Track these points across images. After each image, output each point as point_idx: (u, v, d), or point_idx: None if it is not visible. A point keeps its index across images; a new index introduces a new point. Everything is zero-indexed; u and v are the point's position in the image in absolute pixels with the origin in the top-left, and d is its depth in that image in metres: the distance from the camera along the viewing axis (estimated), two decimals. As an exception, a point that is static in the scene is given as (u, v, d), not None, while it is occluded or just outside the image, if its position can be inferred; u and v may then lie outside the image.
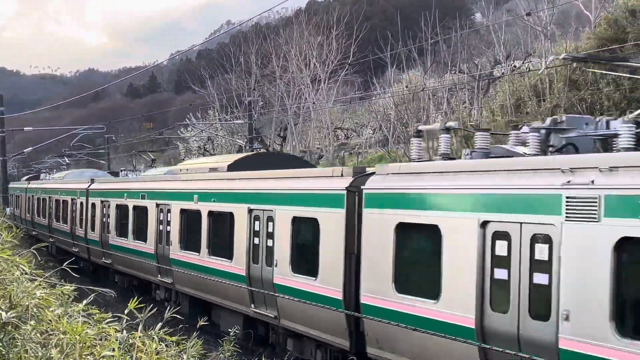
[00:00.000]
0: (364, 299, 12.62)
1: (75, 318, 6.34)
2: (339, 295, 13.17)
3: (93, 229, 28.99)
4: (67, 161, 58.05)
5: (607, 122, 10.38)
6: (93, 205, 29.10)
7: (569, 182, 9.19)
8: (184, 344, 6.90)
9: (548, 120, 10.99)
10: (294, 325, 14.85)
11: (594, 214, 8.80)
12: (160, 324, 6.28)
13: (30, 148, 57.51)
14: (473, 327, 10.21)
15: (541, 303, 9.34)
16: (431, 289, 11.09)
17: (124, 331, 5.91)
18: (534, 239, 9.56)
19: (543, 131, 10.75)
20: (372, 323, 12.28)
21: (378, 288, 12.25)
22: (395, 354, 12.02)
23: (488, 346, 10.08)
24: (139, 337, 5.84)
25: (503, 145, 12.01)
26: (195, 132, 67.23)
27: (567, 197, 9.13)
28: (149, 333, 6.10)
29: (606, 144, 10.34)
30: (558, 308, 9.00)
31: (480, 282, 10.19)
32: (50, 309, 6.37)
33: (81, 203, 30.83)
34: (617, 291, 8.44)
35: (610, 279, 8.49)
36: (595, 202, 8.81)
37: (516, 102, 30.26)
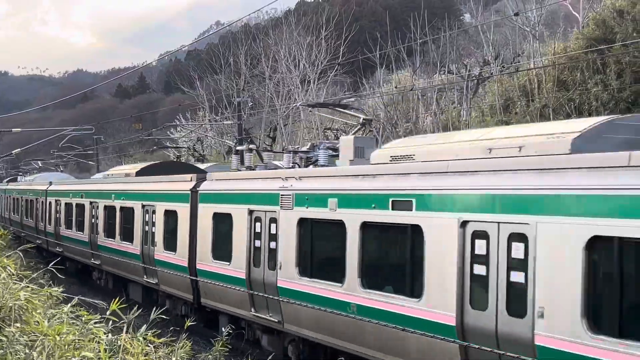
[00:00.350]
0: (198, 265, 18.75)
1: (59, 318, 6.30)
2: (184, 263, 19.47)
3: (50, 223, 34.70)
4: (40, 165, 61.11)
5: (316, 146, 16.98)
6: (50, 203, 34.81)
7: (283, 186, 15.28)
8: (173, 345, 6.88)
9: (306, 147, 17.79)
10: (170, 289, 21.04)
11: (290, 205, 14.97)
12: (145, 326, 6.25)
13: (19, 149, 57.20)
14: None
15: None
16: (227, 255, 17.23)
17: (109, 334, 5.88)
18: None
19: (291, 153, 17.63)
20: (203, 282, 18.46)
21: (204, 257, 18.35)
22: (216, 302, 18.16)
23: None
24: (124, 339, 5.81)
25: (274, 162, 18.83)
26: (184, 133, 67.08)
27: (282, 195, 15.29)
28: (136, 335, 6.07)
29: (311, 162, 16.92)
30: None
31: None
32: (38, 311, 6.33)
33: (42, 202, 36.51)
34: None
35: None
36: (290, 197, 14.96)
37: (505, 102, 30.34)
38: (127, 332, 5.98)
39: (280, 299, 15.01)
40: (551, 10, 47.49)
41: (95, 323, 6.11)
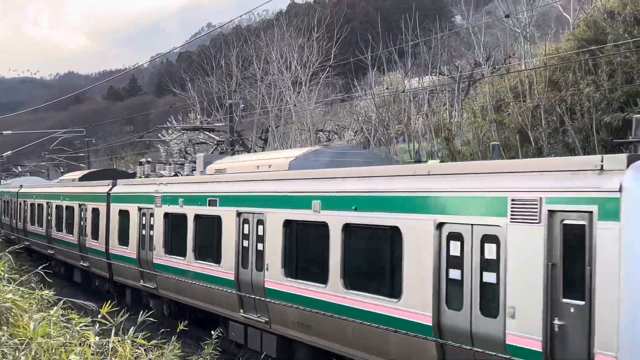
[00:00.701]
0: (110, 250, 25.07)
1: (44, 320, 6.24)
2: (103, 249, 25.70)
3: (20, 220, 40.57)
4: (20, 169, 65.05)
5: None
6: (19, 204, 40.73)
7: (156, 190, 21.31)
8: (163, 347, 6.82)
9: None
10: (94, 269, 27.44)
11: (160, 203, 21.16)
12: (132, 328, 6.20)
13: (10, 152, 56.97)
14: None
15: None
16: (126, 241, 23.65)
17: (97, 337, 5.82)
18: None
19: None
20: (113, 263, 24.93)
21: (114, 243, 24.72)
22: (123, 278, 24.49)
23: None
24: (113, 341, 5.75)
25: (162, 172, 24.72)
26: (176, 135, 66.92)
27: (155, 197, 21.24)
28: (124, 337, 6.02)
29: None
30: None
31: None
32: (28, 314, 6.27)
33: (14, 202, 42.46)
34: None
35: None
36: (160, 198, 21.01)
37: (496, 103, 30.35)
38: (116, 334, 5.94)
39: (156, 273, 21.25)
40: (542, 11, 47.59)
41: (85, 326, 6.05)
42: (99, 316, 6.17)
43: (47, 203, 33.74)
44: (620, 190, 8.42)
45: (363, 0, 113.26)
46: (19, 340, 5.82)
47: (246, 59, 59.47)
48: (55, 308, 6.81)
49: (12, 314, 5.82)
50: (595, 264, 8.46)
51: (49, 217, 33.45)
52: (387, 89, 45.02)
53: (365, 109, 51.65)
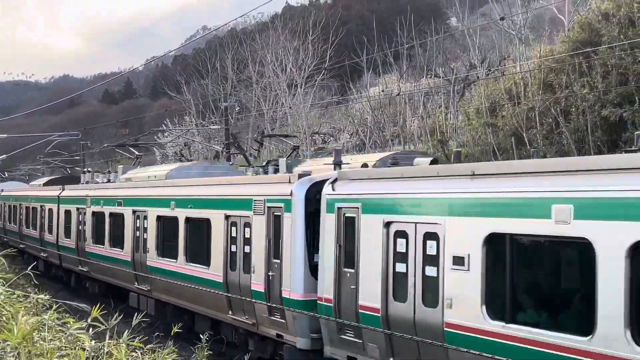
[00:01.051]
0: (59, 242, 30.34)
1: (26, 324, 6.22)
2: (55, 241, 31.05)
3: (1, 220, 46.07)
4: (6, 175, 67.66)
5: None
6: (0, 206, 46.49)
7: (87, 194, 27.23)
8: (159, 351, 6.82)
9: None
10: (51, 259, 32.57)
11: (89, 204, 26.72)
12: (126, 332, 6.19)
13: (5, 155, 56.82)
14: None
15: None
16: (70, 235, 28.85)
17: (92, 341, 5.81)
18: None
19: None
20: (62, 254, 29.96)
21: (62, 237, 30.00)
22: (68, 264, 29.62)
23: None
24: (106, 344, 5.74)
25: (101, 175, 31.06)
26: (171, 138, 66.89)
27: (87, 199, 27.01)
28: (118, 341, 6.01)
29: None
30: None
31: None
32: (23, 318, 6.25)
33: None
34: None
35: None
36: (89, 200, 26.69)
37: (491, 105, 30.39)
38: (111, 337, 5.93)
39: (88, 260, 26.52)
40: (537, 13, 47.71)
41: (79, 329, 6.03)
42: (89, 319, 6.15)
43: (20, 205, 39.33)
44: (290, 195, 14.00)
45: (358, 3, 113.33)
46: (8, 345, 5.80)
47: (241, 62, 59.52)
48: (50, 312, 6.79)
49: (4, 318, 5.82)
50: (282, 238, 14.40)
51: (20, 217, 38.90)
52: (382, 91, 45.07)
53: (360, 111, 51.70)
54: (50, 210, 32.04)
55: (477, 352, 9.17)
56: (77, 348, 5.93)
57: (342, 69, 52.77)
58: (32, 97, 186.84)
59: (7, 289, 7.36)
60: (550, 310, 9.37)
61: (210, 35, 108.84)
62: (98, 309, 6.09)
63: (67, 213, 29.31)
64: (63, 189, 31.43)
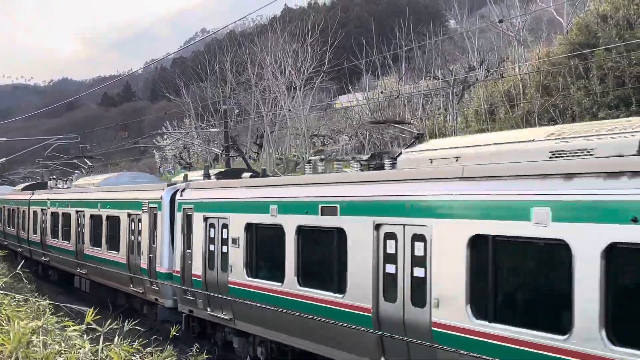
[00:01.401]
0: (30, 238, 35.98)
1: (27, 326, 6.24)
2: (26, 237, 36.81)
3: None
4: None
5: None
6: None
7: (31, 198, 36.85)
8: (159, 354, 6.84)
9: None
10: (26, 254, 36.53)
11: (37, 206, 35.74)
12: (119, 336, 6.21)
13: (4, 159, 56.84)
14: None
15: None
16: (38, 230, 34.59)
17: (88, 345, 5.84)
18: None
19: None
20: (31, 248, 35.13)
21: (31, 233, 35.37)
22: (37, 257, 34.56)
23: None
24: (109, 347, 5.77)
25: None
26: (171, 141, 66.91)
27: (48, 202, 33.52)
28: (120, 344, 6.03)
29: None
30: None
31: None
32: (22, 322, 6.27)
33: None
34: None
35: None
36: (49, 202, 33.18)
37: (490, 107, 30.43)
38: (107, 340, 5.95)
39: (48, 252, 32.37)
40: (535, 15, 47.74)
41: (75, 331, 6.06)
42: (85, 323, 6.19)
43: (3, 207, 44.44)
44: (161, 199, 19.86)
45: (357, 5, 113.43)
46: (6, 349, 5.83)
47: (240, 64, 59.51)
48: (47, 316, 6.82)
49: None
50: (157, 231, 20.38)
51: (3, 217, 44.30)
52: (381, 93, 45.11)
53: (359, 113, 51.72)
54: (24, 211, 37.62)
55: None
56: (74, 352, 5.96)
57: (341, 71, 52.72)
58: (31, 100, 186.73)
59: (7, 293, 7.39)
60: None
61: (209, 38, 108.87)
62: (92, 313, 6.12)
63: (35, 213, 35.01)
64: (33, 194, 36.98)
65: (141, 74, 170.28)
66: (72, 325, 6.63)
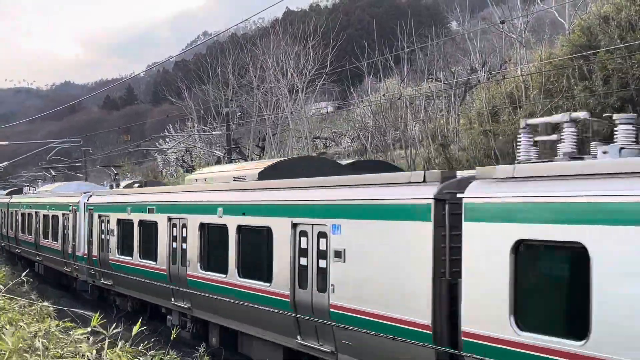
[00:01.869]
0: (9, 235, 43.67)
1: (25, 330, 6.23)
2: (13, 235, 42.04)
3: None
4: None
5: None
6: None
7: (10, 201, 43.96)
8: (160, 357, 6.83)
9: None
10: (12, 250, 42.88)
11: (16, 208, 41.99)
12: (120, 340, 6.20)
13: (7, 162, 56.95)
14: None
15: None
16: (28, 230, 38.59)
17: (94, 350, 5.82)
18: None
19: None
20: (16, 245, 41.53)
21: (11, 231, 42.73)
22: (19, 252, 40.90)
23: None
24: (111, 352, 5.76)
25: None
26: (173, 144, 66.93)
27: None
28: (124, 347, 6.02)
29: None
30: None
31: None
32: (19, 325, 6.26)
33: None
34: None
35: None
36: (24, 205, 39.60)
37: (492, 109, 30.39)
38: (112, 344, 5.94)
39: (18, 246, 39.86)
40: (537, 17, 47.70)
41: (81, 334, 6.05)
42: (89, 328, 6.17)
43: None
44: (79, 202, 27.39)
45: (358, 8, 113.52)
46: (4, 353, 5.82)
47: (242, 67, 59.52)
48: (48, 320, 6.81)
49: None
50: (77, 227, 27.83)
51: None
52: (383, 95, 45.09)
53: (362, 115, 51.70)
54: (4, 212, 44.37)
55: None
56: (78, 356, 5.95)
57: (343, 73, 52.73)
58: (33, 104, 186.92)
59: (12, 296, 7.38)
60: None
61: (211, 40, 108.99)
62: (98, 318, 6.11)
63: (11, 214, 41.73)
64: (11, 198, 43.74)
65: (143, 77, 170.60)
66: (75, 329, 6.61)
